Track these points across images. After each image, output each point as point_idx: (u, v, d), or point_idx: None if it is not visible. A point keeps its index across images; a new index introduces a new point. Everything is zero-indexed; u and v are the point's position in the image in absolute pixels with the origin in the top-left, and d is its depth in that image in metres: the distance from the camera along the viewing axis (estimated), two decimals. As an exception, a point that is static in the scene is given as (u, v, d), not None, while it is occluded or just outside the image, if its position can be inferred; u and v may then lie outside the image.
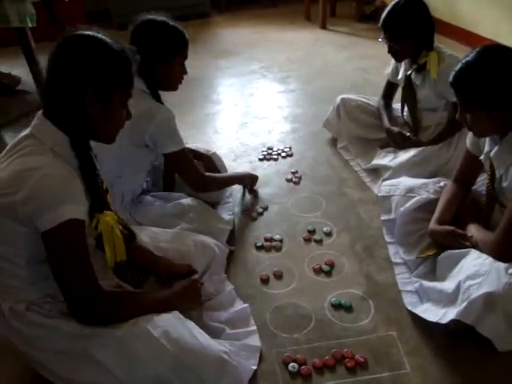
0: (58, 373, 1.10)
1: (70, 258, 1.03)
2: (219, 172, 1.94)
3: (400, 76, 2.14)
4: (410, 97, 2.08)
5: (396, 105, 2.29)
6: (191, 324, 1.17)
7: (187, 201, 1.71)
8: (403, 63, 2.09)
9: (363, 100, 2.33)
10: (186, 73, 1.66)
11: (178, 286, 1.27)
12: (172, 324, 1.11)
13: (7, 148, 1.11)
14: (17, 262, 1.07)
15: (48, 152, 1.05)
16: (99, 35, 1.09)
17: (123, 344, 1.05)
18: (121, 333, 1.06)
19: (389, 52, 2.00)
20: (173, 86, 1.66)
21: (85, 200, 1.07)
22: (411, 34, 1.89)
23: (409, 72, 2.02)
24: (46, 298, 1.13)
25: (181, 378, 1.08)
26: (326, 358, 1.31)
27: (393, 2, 1.92)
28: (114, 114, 1.12)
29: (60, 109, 1.08)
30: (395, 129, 2.12)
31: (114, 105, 1.10)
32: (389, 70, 2.24)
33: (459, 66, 1.32)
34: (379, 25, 1.96)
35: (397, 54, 1.99)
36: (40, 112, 1.11)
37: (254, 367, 1.27)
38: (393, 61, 2.17)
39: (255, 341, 1.34)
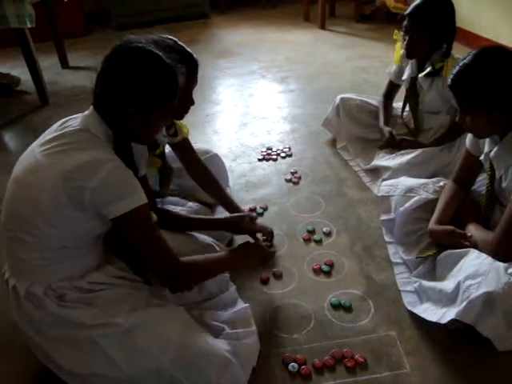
0: (61, 363, 1.12)
1: (147, 237, 1.14)
2: (218, 186, 1.82)
3: (405, 77, 2.13)
4: (412, 99, 2.08)
5: (397, 104, 2.29)
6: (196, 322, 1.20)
7: (190, 204, 1.74)
8: (409, 65, 2.08)
9: (363, 99, 2.33)
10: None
11: (245, 245, 1.49)
12: (178, 319, 1.15)
13: (51, 136, 1.13)
14: (50, 243, 1.10)
15: (107, 146, 1.11)
16: (154, 50, 1.12)
17: (128, 335, 1.08)
18: (127, 324, 1.09)
19: (407, 44, 1.96)
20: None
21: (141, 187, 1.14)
22: (435, 29, 1.89)
23: (421, 74, 2.01)
24: (63, 282, 1.14)
25: (183, 373, 1.09)
26: (326, 357, 1.31)
27: None
28: (151, 127, 1.17)
29: (106, 109, 1.13)
30: (386, 130, 2.12)
31: (153, 120, 1.15)
32: (391, 69, 2.24)
33: (457, 68, 1.33)
34: (406, 13, 1.94)
35: (412, 48, 1.97)
36: (91, 107, 1.15)
37: (253, 366, 1.27)
38: (395, 62, 2.17)
39: (254, 341, 1.33)
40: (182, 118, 1.57)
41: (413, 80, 2.06)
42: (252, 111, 2.92)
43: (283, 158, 2.36)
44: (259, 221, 1.90)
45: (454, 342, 1.33)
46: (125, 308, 1.13)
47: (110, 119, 1.13)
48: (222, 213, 1.89)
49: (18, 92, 3.36)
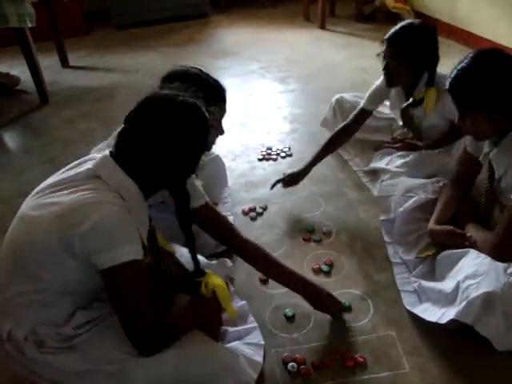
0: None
1: (129, 296, 1.03)
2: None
3: (391, 105, 2.10)
4: (410, 126, 2.03)
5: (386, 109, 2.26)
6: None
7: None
8: (395, 93, 2.02)
9: (358, 100, 2.30)
10: None
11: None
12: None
13: (65, 178, 1.08)
14: (41, 286, 1.05)
15: (112, 191, 1.04)
16: (200, 109, 1.09)
17: (119, 376, 1.04)
18: (115, 369, 1.05)
19: (384, 70, 1.89)
20: None
21: (139, 239, 1.05)
22: (412, 56, 1.80)
23: (403, 105, 1.95)
24: (47, 327, 1.08)
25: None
26: (326, 357, 1.31)
27: (405, 22, 1.85)
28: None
29: (136, 165, 1.07)
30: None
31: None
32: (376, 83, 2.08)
33: (455, 72, 1.33)
34: (385, 37, 1.85)
35: (390, 75, 1.88)
36: (107, 153, 1.09)
37: (260, 362, 1.26)
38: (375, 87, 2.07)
39: (258, 338, 1.34)
40: (211, 148, 1.57)
41: (404, 111, 1.97)
42: (252, 111, 2.91)
43: (283, 157, 2.36)
44: (259, 221, 1.91)
45: (453, 341, 1.33)
46: (111, 350, 1.06)
47: (140, 174, 1.08)
48: (223, 210, 1.89)
49: (17, 91, 3.35)
